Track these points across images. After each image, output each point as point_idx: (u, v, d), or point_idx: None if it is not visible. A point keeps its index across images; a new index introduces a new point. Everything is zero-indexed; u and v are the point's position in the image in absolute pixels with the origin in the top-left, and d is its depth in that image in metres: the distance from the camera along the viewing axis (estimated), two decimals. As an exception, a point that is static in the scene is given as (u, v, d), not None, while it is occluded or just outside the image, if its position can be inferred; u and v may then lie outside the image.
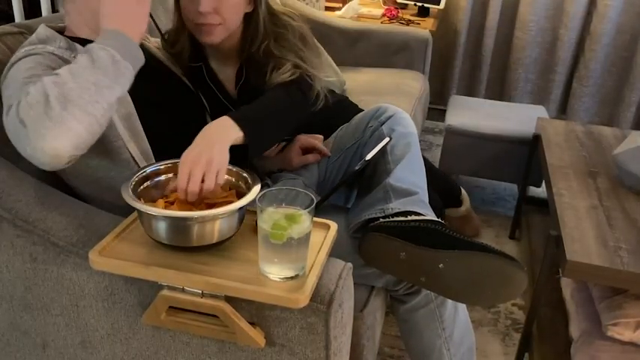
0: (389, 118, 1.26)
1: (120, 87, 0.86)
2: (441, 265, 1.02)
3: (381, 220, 1.09)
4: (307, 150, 1.35)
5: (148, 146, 1.07)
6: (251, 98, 1.12)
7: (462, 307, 1.20)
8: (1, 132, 0.85)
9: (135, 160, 1.04)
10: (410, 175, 1.17)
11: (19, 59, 0.97)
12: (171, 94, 1.22)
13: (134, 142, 1.04)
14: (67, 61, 0.99)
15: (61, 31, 1.10)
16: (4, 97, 0.92)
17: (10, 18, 2.09)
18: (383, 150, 1.19)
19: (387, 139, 1.20)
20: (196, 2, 1.15)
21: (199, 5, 1.15)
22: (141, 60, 0.93)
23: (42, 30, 1.06)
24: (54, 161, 0.79)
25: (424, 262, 1.03)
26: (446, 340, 1.17)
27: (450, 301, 1.16)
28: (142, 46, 1.21)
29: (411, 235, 1.04)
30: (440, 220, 1.09)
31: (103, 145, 0.99)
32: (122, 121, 1.03)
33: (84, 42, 1.07)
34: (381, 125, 1.25)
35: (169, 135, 1.16)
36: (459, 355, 1.19)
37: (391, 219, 1.08)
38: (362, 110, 1.43)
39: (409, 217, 1.08)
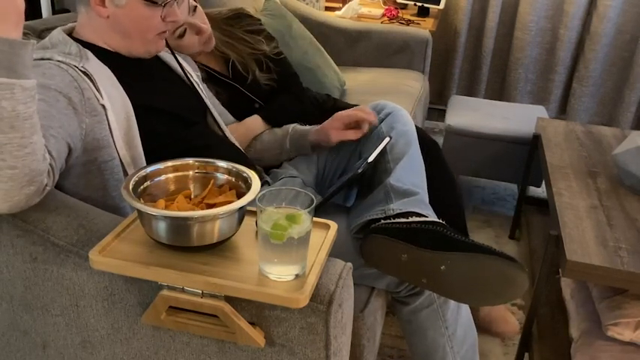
0: (387, 115, 1.26)
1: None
2: (442, 267, 1.02)
3: (382, 221, 1.08)
4: (349, 126, 1.29)
5: (141, 150, 1.06)
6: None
7: (464, 304, 1.20)
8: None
9: (124, 168, 1.03)
10: (410, 175, 1.17)
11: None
12: (172, 97, 1.22)
13: (127, 151, 1.04)
14: (71, 67, 0.99)
15: (72, 32, 1.10)
16: None
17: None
18: (383, 149, 1.19)
19: (387, 139, 1.20)
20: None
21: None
22: (24, 58, 0.75)
23: (56, 33, 1.06)
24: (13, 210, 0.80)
25: (426, 264, 1.03)
26: (449, 338, 1.17)
27: (452, 300, 1.16)
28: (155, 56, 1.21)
29: (412, 236, 1.04)
30: (440, 220, 1.09)
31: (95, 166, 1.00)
32: (122, 135, 1.02)
33: (93, 48, 1.07)
34: (380, 123, 1.25)
35: (170, 136, 1.16)
36: (462, 352, 1.19)
37: (392, 220, 1.08)
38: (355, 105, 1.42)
39: (410, 219, 1.08)
